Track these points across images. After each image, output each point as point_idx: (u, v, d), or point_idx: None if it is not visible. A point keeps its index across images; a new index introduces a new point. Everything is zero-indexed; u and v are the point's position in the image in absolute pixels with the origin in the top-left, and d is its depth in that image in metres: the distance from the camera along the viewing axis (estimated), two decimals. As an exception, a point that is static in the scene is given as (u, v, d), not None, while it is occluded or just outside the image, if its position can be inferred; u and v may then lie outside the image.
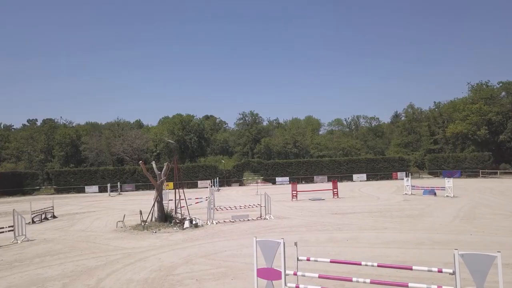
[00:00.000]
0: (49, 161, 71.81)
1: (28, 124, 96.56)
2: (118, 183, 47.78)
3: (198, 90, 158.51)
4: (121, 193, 46.65)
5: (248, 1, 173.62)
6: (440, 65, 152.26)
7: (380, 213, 21.37)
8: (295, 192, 29.69)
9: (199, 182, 51.21)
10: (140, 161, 18.59)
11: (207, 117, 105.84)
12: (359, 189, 39.48)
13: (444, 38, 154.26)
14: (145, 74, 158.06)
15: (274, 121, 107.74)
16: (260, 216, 20.84)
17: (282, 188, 44.78)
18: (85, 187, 49.84)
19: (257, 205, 21.14)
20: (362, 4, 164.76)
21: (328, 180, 51.48)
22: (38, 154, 71.63)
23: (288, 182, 51.57)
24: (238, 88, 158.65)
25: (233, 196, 37.20)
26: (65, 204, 35.24)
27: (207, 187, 51.68)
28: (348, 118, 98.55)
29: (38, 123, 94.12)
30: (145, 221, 18.59)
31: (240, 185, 51.74)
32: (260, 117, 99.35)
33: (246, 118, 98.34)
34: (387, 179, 51.64)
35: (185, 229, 17.70)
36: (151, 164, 20.04)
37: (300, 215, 21.35)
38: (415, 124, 72.38)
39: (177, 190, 19.37)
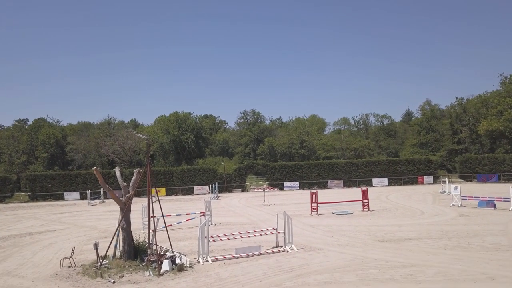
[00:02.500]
0: (32, 163, 65.29)
1: (18, 124, 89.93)
2: (102, 189, 41.22)
3: (198, 90, 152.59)
4: (104, 200, 40.12)
5: (250, 1, 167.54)
6: (445, 65, 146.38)
7: (449, 239, 14.87)
8: (316, 204, 23.16)
9: (195, 187, 44.69)
10: (94, 167, 12.18)
11: (206, 116, 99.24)
12: (386, 196, 32.98)
13: (444, 38, 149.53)
14: (144, 74, 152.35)
15: (277, 120, 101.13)
16: (277, 246, 14.37)
17: (292, 195, 38.26)
18: (64, 193, 43.32)
19: (272, 230, 14.63)
20: (361, 4, 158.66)
21: (344, 185, 45.00)
22: (20, 155, 65.08)
23: (298, 188, 45.09)
24: (238, 88, 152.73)
25: (234, 206, 30.69)
26: (30, 216, 28.77)
27: (205, 193, 45.40)
28: (356, 116, 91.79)
29: (29, 124, 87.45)
30: (104, 258, 12.12)
31: (242, 191, 45.18)
32: (262, 115, 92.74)
33: (247, 117, 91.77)
34: (411, 183, 45.02)
35: (162, 274, 11.21)
36: (116, 171, 13.54)
37: (334, 243, 14.86)
38: (433, 122, 65.69)
39: (151, 206, 12.88)
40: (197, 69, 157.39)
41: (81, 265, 12.62)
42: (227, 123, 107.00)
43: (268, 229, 14.78)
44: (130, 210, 12.81)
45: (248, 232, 14.49)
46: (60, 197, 43.32)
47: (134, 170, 13.04)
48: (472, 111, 55.62)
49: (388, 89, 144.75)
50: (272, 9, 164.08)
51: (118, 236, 12.79)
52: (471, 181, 43.75)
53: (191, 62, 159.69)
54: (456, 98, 63.22)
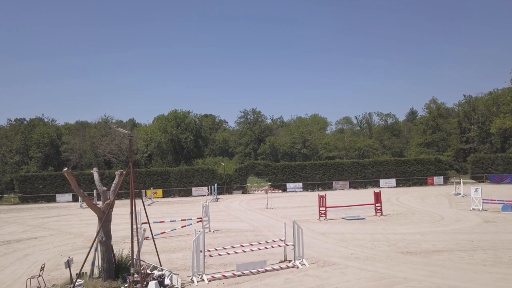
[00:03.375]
0: (26, 164, 63.21)
1: (12, 123, 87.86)
2: (95, 191, 39.12)
3: (197, 90, 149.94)
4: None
5: (250, 1, 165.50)
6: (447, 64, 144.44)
7: (485, 252, 12.80)
8: (324, 208, 21.08)
9: (193, 189, 42.57)
10: (65, 169, 10.17)
11: (205, 116, 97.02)
12: (396, 199, 30.88)
13: (444, 38, 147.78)
14: (143, 74, 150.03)
15: (278, 120, 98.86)
16: (285, 260, 12.32)
17: (296, 197, 36.19)
18: (56, 195, 41.24)
19: (280, 242, 12.56)
20: (361, 4, 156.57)
21: (350, 186, 42.91)
22: (13, 155, 63.00)
23: (302, 189, 43.01)
24: (238, 88, 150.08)
25: (235, 209, 28.62)
26: (13, 221, 26.71)
27: (204, 195, 43.30)
28: (359, 115, 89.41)
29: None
30: (79, 277, 10.07)
31: (243, 193, 43.10)
32: (263, 115, 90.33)
33: (248, 116, 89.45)
34: (421, 184, 42.88)
35: (147, 299, 9.14)
36: (93, 173, 11.52)
37: (351, 256, 12.78)
38: (440, 120, 63.49)
39: (135, 213, 10.82)
40: (197, 69, 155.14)
41: (53, 285, 10.59)
42: (227, 123, 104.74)
43: (274, 241, 12.70)
44: (110, 220, 10.78)
45: (252, 244, 12.40)
46: (52, 199, 41.24)
47: (116, 172, 11.01)
48: (481, 109, 53.42)
49: (388, 89, 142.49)
50: (272, 9, 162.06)
51: (96, 250, 10.73)
52: (483, 182, 41.63)
53: (191, 62, 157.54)
54: (464, 96, 61.05)
